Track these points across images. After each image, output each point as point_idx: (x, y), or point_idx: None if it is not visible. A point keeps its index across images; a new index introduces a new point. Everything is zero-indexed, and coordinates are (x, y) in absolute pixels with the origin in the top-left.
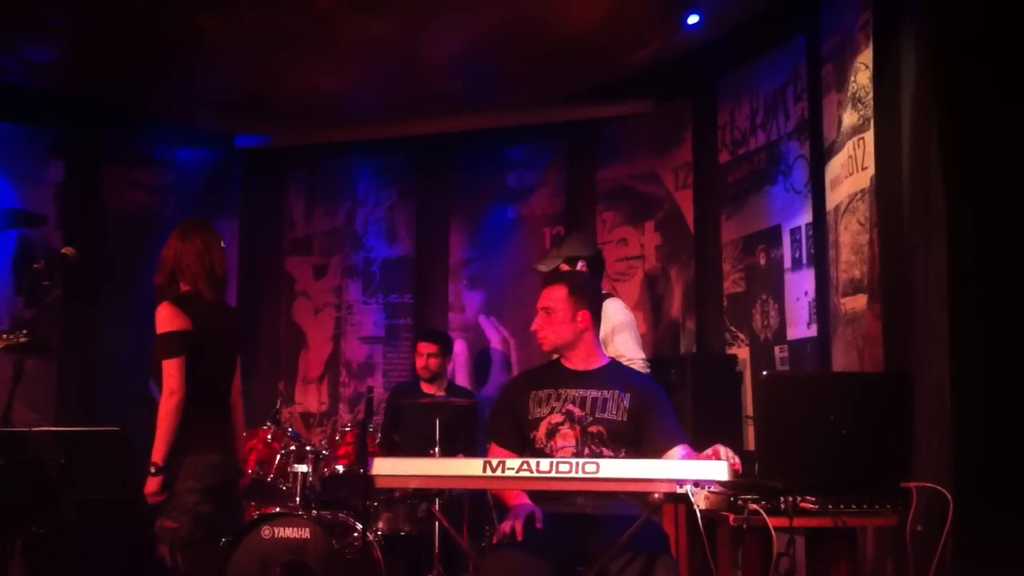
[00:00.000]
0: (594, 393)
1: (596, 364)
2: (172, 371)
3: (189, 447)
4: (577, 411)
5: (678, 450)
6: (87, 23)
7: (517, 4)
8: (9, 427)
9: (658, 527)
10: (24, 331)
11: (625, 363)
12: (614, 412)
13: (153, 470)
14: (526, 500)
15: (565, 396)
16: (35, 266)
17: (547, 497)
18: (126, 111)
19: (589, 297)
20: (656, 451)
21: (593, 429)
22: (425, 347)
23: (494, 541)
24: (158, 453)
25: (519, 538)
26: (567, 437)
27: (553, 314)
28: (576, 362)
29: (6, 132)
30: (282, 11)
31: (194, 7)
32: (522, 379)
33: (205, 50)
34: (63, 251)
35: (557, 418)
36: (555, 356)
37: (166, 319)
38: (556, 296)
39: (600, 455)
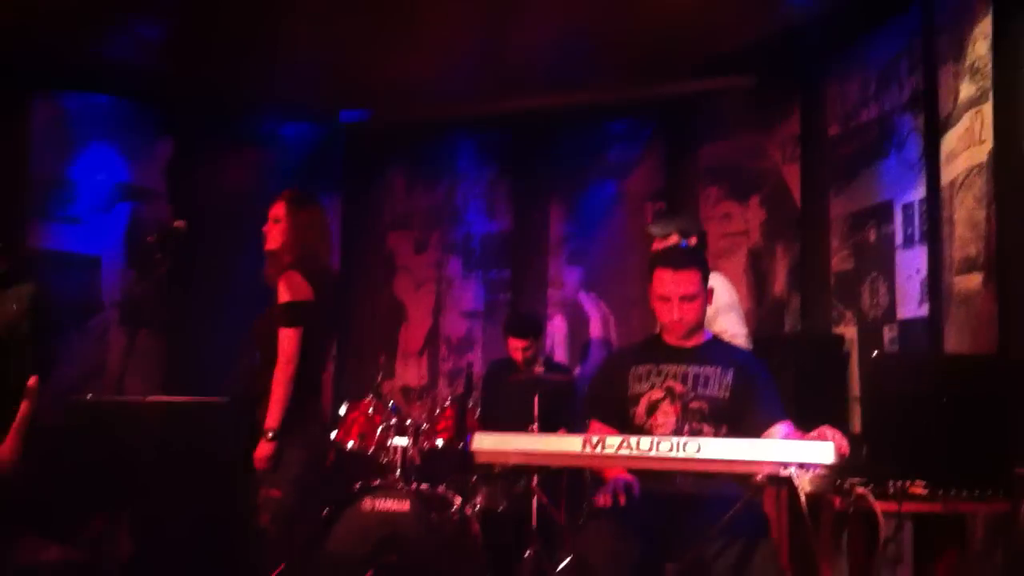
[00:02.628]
0: (696, 369)
1: (699, 340)
2: (292, 339)
3: (296, 418)
4: (679, 387)
5: (780, 428)
6: (194, 1)
7: None
8: (121, 396)
9: (758, 510)
10: None
11: (727, 339)
12: (716, 389)
13: (269, 435)
14: (624, 473)
15: (666, 372)
16: (148, 239)
17: (647, 475)
18: (232, 88)
19: (709, 276)
20: (758, 429)
21: (695, 405)
22: (516, 343)
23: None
24: (273, 419)
25: (622, 503)
26: (667, 414)
27: (695, 300)
28: (679, 338)
29: (118, 107)
30: None
31: None
32: (621, 354)
33: (305, 27)
34: (175, 224)
35: (658, 394)
36: (657, 330)
37: (293, 288)
38: (694, 281)
39: (700, 432)
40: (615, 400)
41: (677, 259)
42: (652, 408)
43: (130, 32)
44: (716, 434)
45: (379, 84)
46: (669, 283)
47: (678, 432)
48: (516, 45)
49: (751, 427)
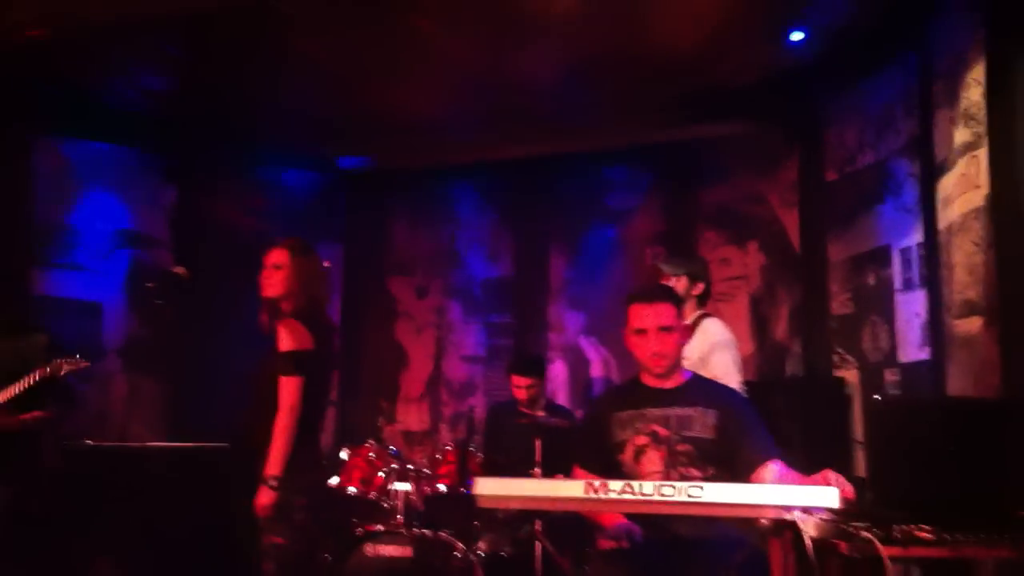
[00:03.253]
0: (678, 411)
1: (679, 380)
2: (293, 388)
3: (297, 465)
4: (662, 431)
5: (771, 467)
6: (197, 52)
7: (614, 26)
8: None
9: (763, 557)
10: (79, 355)
11: (718, 378)
12: (700, 429)
13: (271, 483)
14: (622, 519)
15: (648, 416)
16: (148, 285)
17: (645, 521)
18: (235, 135)
19: (681, 314)
20: (747, 468)
21: (680, 448)
22: (520, 380)
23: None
24: (275, 466)
25: (625, 547)
26: (653, 460)
27: (673, 333)
28: (660, 379)
29: (123, 156)
30: (381, 35)
31: (295, 33)
32: (603, 401)
33: (306, 74)
34: (175, 270)
35: (642, 440)
36: (638, 373)
37: (293, 336)
38: (670, 313)
39: (688, 476)
40: (598, 447)
41: (651, 293)
42: (638, 454)
43: (133, 81)
44: (704, 476)
45: (380, 131)
46: (645, 316)
47: (665, 476)
48: (516, 91)
49: (740, 466)
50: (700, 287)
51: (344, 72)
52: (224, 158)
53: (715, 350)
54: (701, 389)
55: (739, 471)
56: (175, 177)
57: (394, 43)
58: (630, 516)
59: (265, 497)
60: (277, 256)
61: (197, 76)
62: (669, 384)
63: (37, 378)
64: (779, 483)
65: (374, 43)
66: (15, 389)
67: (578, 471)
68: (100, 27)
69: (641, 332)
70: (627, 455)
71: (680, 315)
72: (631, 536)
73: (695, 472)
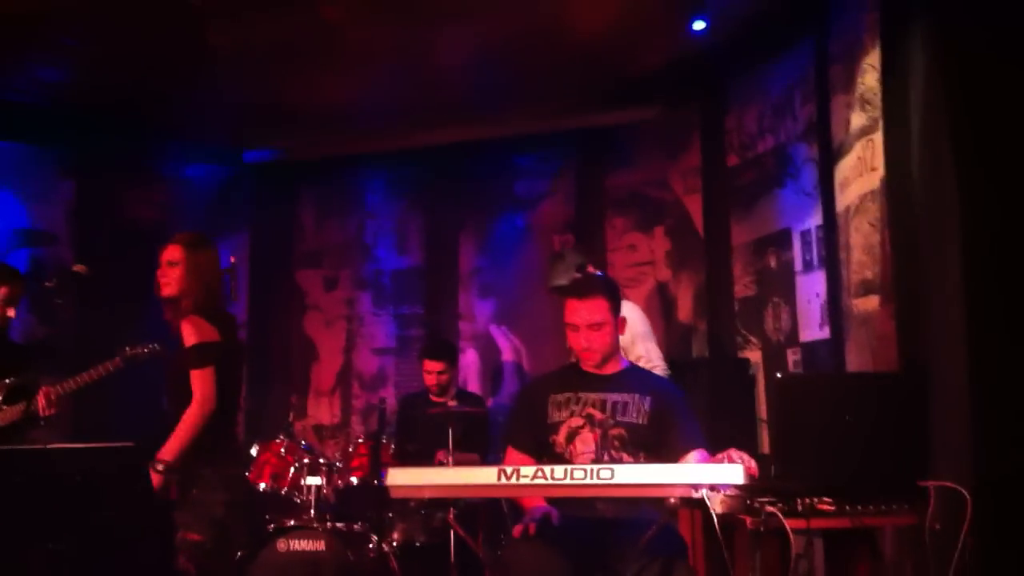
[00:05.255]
0: (615, 397)
1: (616, 367)
2: (206, 379)
3: (216, 459)
4: (598, 414)
5: (694, 455)
6: (95, 42)
7: (523, 13)
8: (27, 444)
9: (675, 532)
10: (155, 344)
11: (645, 365)
12: (635, 415)
13: (158, 467)
14: (542, 503)
15: (585, 400)
16: (46, 284)
17: (567, 502)
18: (135, 129)
19: (619, 302)
20: (675, 455)
21: (614, 432)
22: (432, 365)
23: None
24: (169, 453)
25: (531, 534)
26: (587, 441)
27: (604, 328)
28: (593, 366)
29: (17, 152)
30: (289, 24)
31: (201, 23)
32: (540, 383)
33: (212, 66)
34: (75, 268)
35: (577, 422)
36: (573, 359)
37: (197, 331)
38: (601, 308)
39: (620, 459)
40: (533, 428)
41: (583, 288)
42: (572, 435)
43: (28, 74)
44: (635, 460)
45: (288, 121)
46: (576, 311)
47: (598, 459)
48: (425, 80)
49: (668, 453)
50: (590, 268)
51: (251, 62)
52: (124, 152)
53: (637, 340)
54: (638, 377)
55: (667, 457)
56: (73, 172)
57: (302, 32)
58: (551, 500)
59: (155, 481)
60: (171, 252)
61: (95, 68)
62: (607, 371)
63: (119, 364)
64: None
65: (281, 32)
66: (82, 380)
67: (511, 452)
68: None
69: (573, 328)
70: (560, 436)
71: (615, 308)
72: (547, 520)
73: (626, 456)
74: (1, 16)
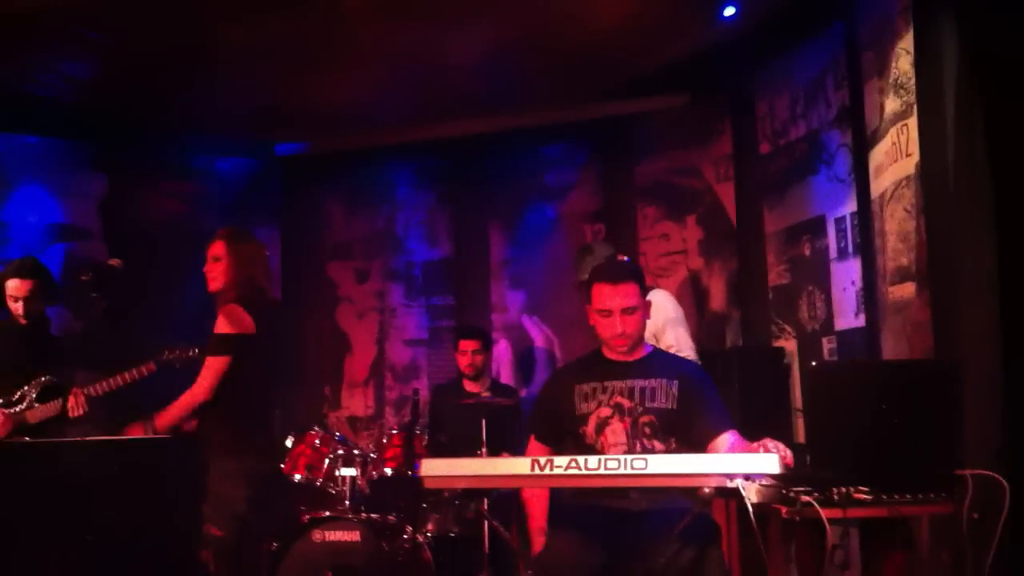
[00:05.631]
0: (641, 383)
1: (641, 353)
2: (213, 369)
3: (241, 453)
4: (626, 402)
5: (727, 437)
6: (121, 37)
7: (546, 3)
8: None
9: (708, 520)
10: (194, 347)
11: (675, 352)
12: (663, 400)
13: (150, 429)
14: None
15: (612, 388)
16: (82, 278)
17: (602, 492)
18: (165, 123)
19: (646, 287)
20: (705, 439)
21: (644, 419)
22: (467, 344)
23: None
24: (163, 422)
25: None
26: (617, 432)
27: (636, 313)
28: (622, 353)
29: (49, 148)
30: (310, 19)
31: (223, 19)
32: (564, 373)
33: (236, 61)
34: (110, 262)
35: (606, 412)
36: (599, 347)
37: (232, 320)
38: (634, 293)
39: (651, 447)
40: (559, 419)
41: (615, 273)
42: (601, 426)
43: (58, 70)
44: (666, 446)
45: (314, 114)
46: (609, 297)
47: (630, 448)
48: (450, 70)
49: (698, 436)
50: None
51: (274, 57)
52: (154, 146)
53: (668, 326)
54: (663, 361)
55: (697, 440)
56: (104, 167)
57: (324, 26)
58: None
59: (132, 432)
60: (215, 248)
61: (121, 62)
62: (631, 357)
63: (152, 368)
64: (735, 451)
65: (304, 27)
66: (115, 383)
67: (532, 442)
68: (18, 13)
69: (605, 313)
70: (590, 427)
71: (643, 292)
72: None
73: (657, 444)
74: (28, 12)
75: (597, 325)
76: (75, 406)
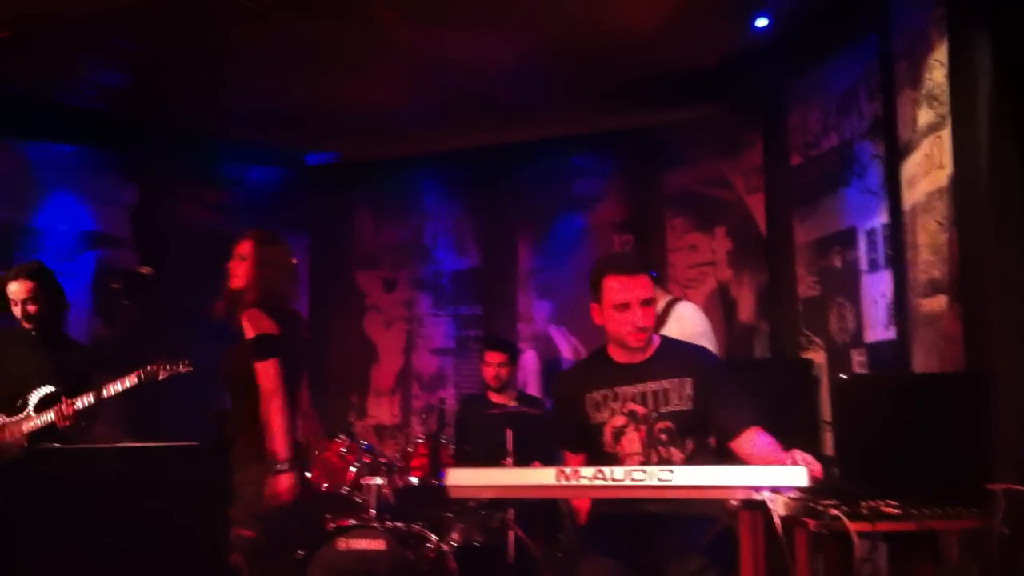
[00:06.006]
0: (653, 385)
1: (650, 351)
2: (270, 370)
3: (265, 459)
4: (640, 409)
5: (751, 436)
6: (152, 47)
7: (576, 12)
8: (91, 443)
9: (732, 536)
10: (184, 362)
11: None
12: (678, 401)
13: (277, 467)
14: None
15: (623, 395)
16: (114, 286)
17: (625, 501)
18: (196, 132)
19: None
20: (727, 437)
21: (660, 426)
22: (493, 356)
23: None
24: (281, 449)
25: None
26: (633, 441)
27: (653, 304)
28: (631, 353)
29: (82, 156)
30: (341, 30)
31: (254, 29)
32: (571, 380)
33: (268, 70)
34: (141, 270)
35: (620, 420)
36: (604, 347)
37: (256, 323)
38: (649, 284)
39: (669, 457)
40: (577, 429)
41: (630, 264)
42: (618, 435)
43: (90, 79)
44: (683, 451)
45: (344, 123)
46: (627, 288)
47: (646, 458)
48: (479, 79)
49: (720, 435)
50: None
51: (305, 66)
52: (185, 155)
53: (694, 340)
54: (673, 356)
55: (719, 438)
56: (136, 175)
57: (353, 34)
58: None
59: (281, 483)
60: (242, 247)
61: (153, 71)
62: (640, 357)
63: (135, 381)
64: (761, 452)
65: (335, 35)
66: (98, 395)
67: (568, 456)
68: (53, 23)
69: (623, 307)
70: (606, 436)
71: (654, 284)
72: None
73: (675, 451)
74: (61, 20)
75: (611, 322)
76: (61, 418)
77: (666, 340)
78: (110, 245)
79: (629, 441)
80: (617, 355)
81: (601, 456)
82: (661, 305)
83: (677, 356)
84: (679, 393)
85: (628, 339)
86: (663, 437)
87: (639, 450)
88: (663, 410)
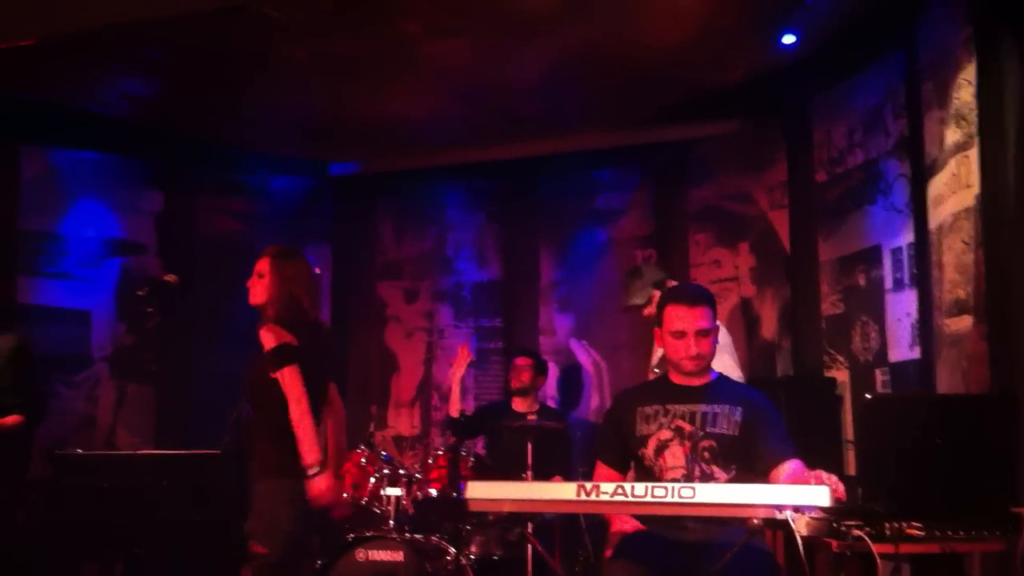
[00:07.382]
0: (704, 408)
1: (707, 379)
2: (292, 378)
3: (287, 470)
4: (687, 426)
5: (788, 465)
6: (179, 56)
7: (602, 26)
8: (113, 450)
9: (770, 557)
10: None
11: None
12: (726, 426)
13: (310, 472)
14: (631, 521)
15: (673, 411)
16: (139, 293)
17: (659, 522)
18: (221, 142)
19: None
20: (767, 466)
21: (704, 444)
22: (522, 360)
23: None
24: (310, 456)
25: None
26: (676, 455)
27: (709, 336)
28: (688, 377)
29: (107, 164)
30: (367, 39)
31: (280, 39)
32: (628, 395)
33: (292, 81)
34: (166, 278)
35: (666, 434)
36: (667, 372)
37: (273, 335)
38: (707, 316)
39: (711, 472)
40: (620, 441)
41: (691, 295)
42: (660, 449)
43: (117, 88)
44: (726, 473)
45: (368, 134)
46: (684, 318)
47: (688, 473)
48: (504, 94)
49: (760, 465)
50: (669, 283)
51: (330, 76)
52: (209, 163)
53: (717, 353)
54: (728, 389)
55: (759, 468)
56: (161, 183)
57: (381, 47)
58: (641, 517)
59: (319, 485)
60: (261, 264)
61: (180, 81)
62: (696, 382)
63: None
64: (791, 479)
65: (361, 47)
66: None
67: (600, 467)
68: (81, 33)
69: (679, 334)
70: (649, 449)
71: (715, 316)
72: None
73: (717, 469)
74: (88, 31)
75: (669, 347)
76: None
77: (723, 376)
78: (135, 252)
79: (672, 455)
80: (676, 378)
81: (640, 471)
82: None
83: (732, 389)
84: (728, 419)
85: (683, 364)
86: (706, 455)
87: (682, 464)
88: (709, 430)
